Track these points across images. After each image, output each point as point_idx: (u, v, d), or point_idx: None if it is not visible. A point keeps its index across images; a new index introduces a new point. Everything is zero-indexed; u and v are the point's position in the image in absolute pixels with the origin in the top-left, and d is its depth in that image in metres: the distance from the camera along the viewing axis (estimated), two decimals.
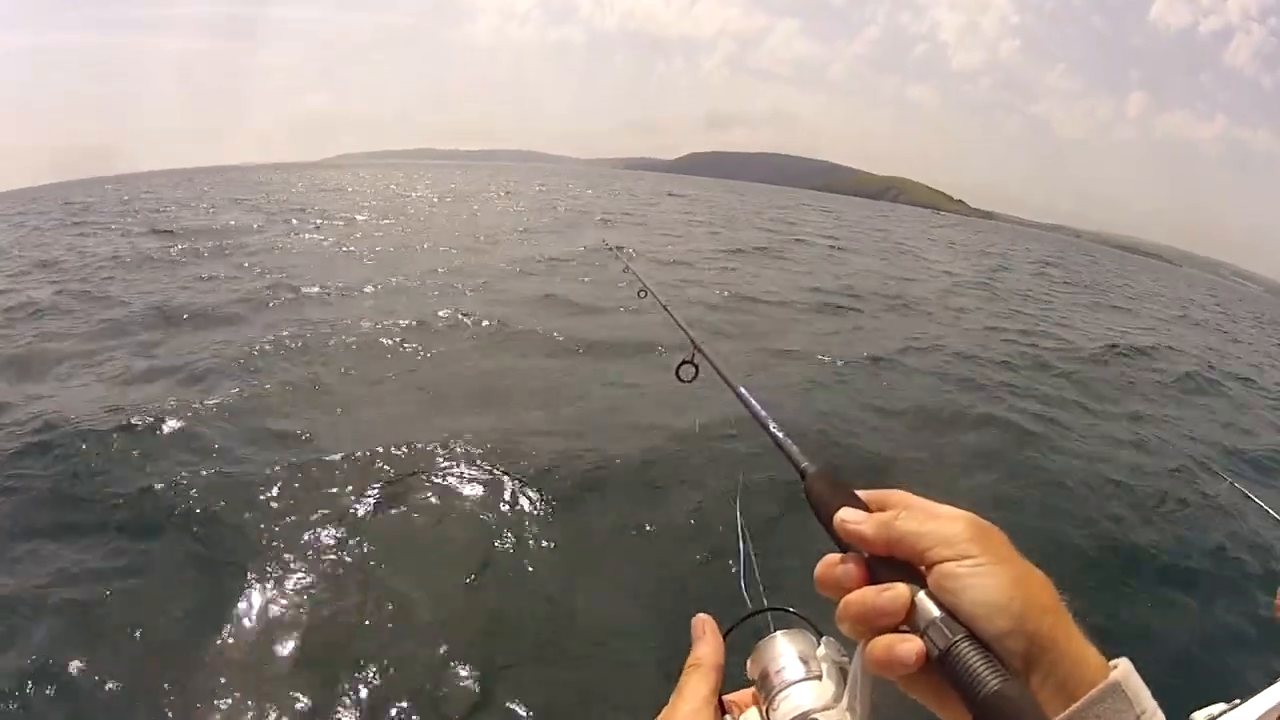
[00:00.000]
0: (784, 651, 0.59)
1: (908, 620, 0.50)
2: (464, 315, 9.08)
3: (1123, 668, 0.48)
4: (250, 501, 4.44)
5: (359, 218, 21.52)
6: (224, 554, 3.99)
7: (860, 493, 0.59)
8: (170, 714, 2.99)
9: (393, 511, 4.44)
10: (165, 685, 3.09)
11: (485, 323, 8.91)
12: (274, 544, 4.06)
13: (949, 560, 0.51)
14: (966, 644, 0.47)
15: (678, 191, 54.28)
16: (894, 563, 0.53)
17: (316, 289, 10.38)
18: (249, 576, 3.78)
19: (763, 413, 0.71)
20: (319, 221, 19.89)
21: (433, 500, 4.61)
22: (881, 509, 0.57)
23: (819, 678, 0.57)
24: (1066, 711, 0.46)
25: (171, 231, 16.82)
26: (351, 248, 15.14)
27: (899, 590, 0.51)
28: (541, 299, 10.60)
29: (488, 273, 12.68)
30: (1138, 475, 6.40)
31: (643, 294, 1.69)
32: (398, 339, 8.00)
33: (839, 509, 0.57)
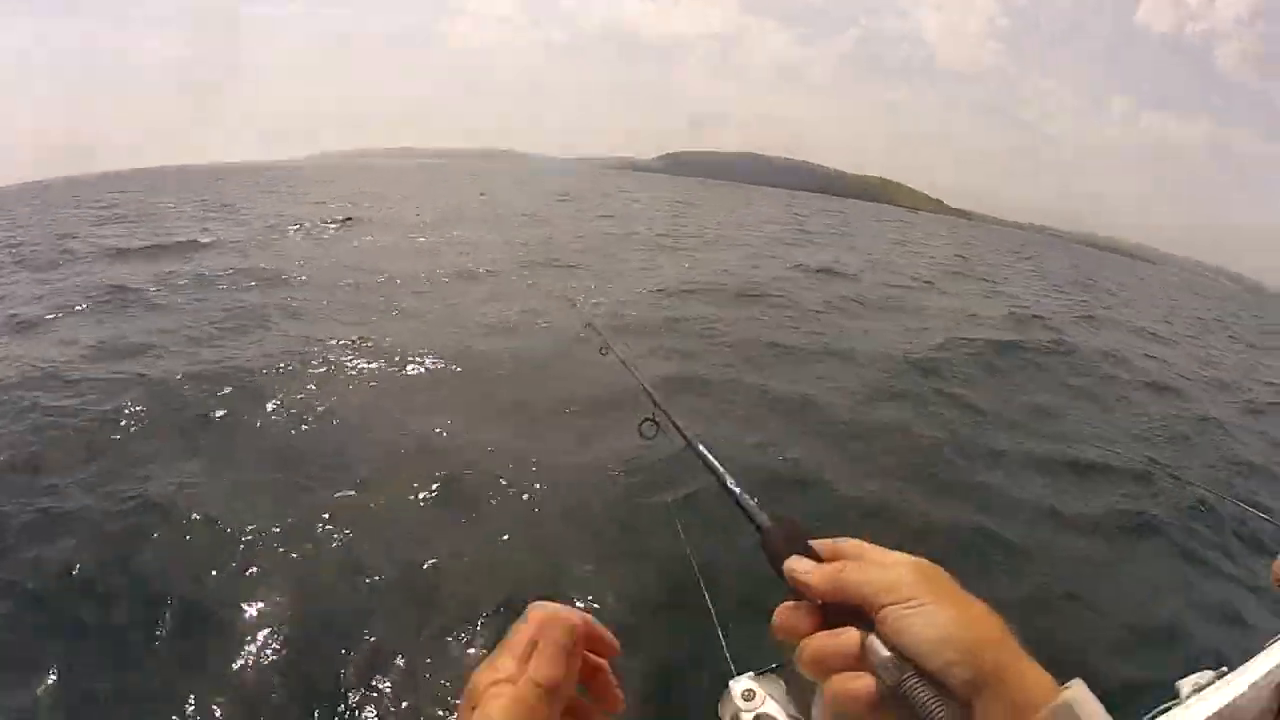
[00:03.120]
0: (748, 693, 0.67)
1: (861, 661, 0.55)
2: None
3: (1075, 689, 0.52)
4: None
5: None
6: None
7: (815, 542, 0.63)
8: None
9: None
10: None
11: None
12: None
13: (894, 604, 0.55)
14: (914, 680, 0.52)
15: (683, 198, 51.44)
16: (845, 608, 0.57)
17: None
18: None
19: (720, 468, 0.73)
20: None
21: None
22: (835, 557, 0.61)
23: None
24: None
25: None
26: None
27: (850, 634, 0.56)
28: None
29: None
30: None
31: (604, 351, 1.61)
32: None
33: (788, 558, 0.60)
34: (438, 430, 5.90)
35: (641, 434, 0.99)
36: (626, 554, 4.31)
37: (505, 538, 4.48)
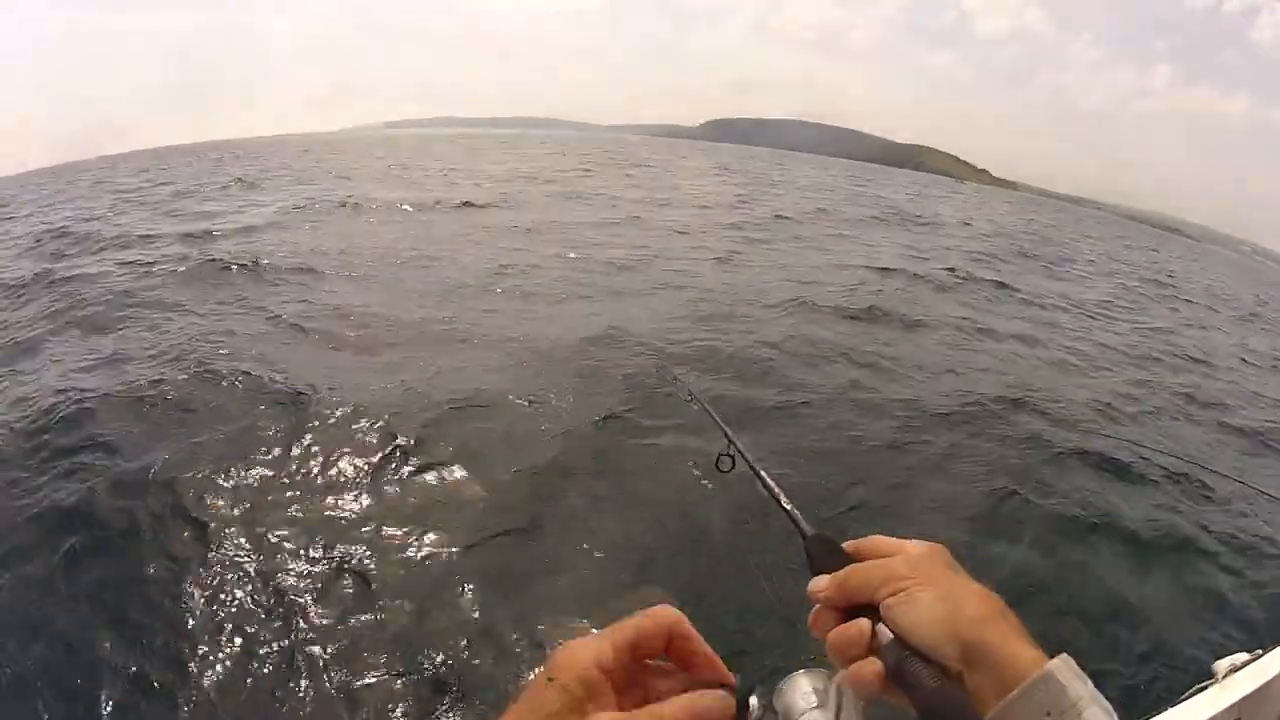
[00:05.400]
0: (799, 687, 0.68)
1: (873, 647, 0.61)
2: None
3: (1058, 661, 0.55)
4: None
5: None
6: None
7: (846, 544, 0.70)
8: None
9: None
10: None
11: None
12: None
13: (891, 595, 0.62)
14: (910, 658, 0.58)
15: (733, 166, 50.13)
16: (859, 606, 0.65)
17: None
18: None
19: (776, 489, 0.81)
20: None
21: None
22: (857, 554, 0.68)
23: (823, 705, 0.65)
24: (1002, 701, 0.54)
25: None
26: None
27: (860, 624, 0.62)
28: None
29: None
30: None
31: (691, 401, 1.62)
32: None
33: (814, 576, 0.68)
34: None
35: (719, 468, 1.01)
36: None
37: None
